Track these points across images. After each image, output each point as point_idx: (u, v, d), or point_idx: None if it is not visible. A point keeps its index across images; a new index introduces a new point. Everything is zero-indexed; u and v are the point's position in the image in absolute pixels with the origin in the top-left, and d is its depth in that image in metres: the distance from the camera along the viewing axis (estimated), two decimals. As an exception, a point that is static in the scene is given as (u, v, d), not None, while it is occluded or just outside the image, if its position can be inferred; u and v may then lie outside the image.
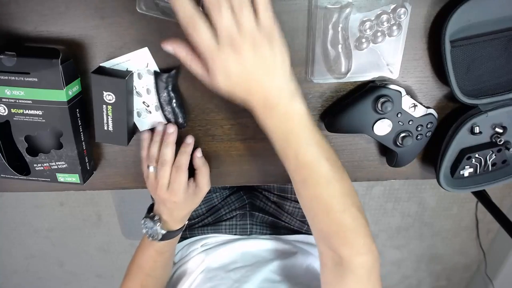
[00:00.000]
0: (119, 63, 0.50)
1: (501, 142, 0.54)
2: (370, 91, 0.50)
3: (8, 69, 0.46)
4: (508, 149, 0.55)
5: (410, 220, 1.82)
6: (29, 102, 0.48)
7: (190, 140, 0.55)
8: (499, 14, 0.47)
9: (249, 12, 0.37)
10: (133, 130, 0.55)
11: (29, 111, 0.49)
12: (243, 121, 0.55)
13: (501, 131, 0.54)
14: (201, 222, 0.82)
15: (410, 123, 0.52)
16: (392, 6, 0.47)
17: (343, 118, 0.52)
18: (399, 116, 0.51)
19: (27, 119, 0.49)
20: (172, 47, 0.42)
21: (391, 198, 1.74)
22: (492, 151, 0.55)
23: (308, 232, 0.82)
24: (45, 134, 0.51)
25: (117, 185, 0.61)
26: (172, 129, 0.53)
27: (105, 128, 0.51)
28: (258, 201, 0.84)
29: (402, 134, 0.52)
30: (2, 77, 0.46)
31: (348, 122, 0.52)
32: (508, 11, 0.47)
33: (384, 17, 0.47)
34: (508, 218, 1.15)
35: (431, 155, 0.58)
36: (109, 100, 0.49)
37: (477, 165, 0.56)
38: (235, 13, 0.37)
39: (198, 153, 0.57)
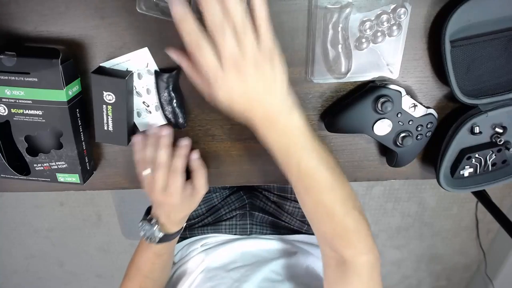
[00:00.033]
0: (119, 63, 0.50)
1: (501, 142, 0.54)
2: (370, 91, 0.50)
3: (8, 69, 0.46)
4: (508, 149, 0.55)
5: (410, 220, 1.82)
6: (29, 102, 0.48)
7: (185, 143, 0.55)
8: (499, 14, 0.47)
9: (251, 34, 0.38)
10: (133, 130, 0.55)
11: (29, 111, 0.49)
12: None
13: (501, 131, 0.54)
14: (201, 222, 0.82)
15: (410, 123, 0.52)
16: (392, 6, 0.47)
17: (343, 118, 0.52)
18: (399, 116, 0.51)
19: (27, 119, 0.49)
20: (176, 56, 0.43)
21: (391, 198, 1.74)
22: (492, 151, 0.55)
23: (308, 232, 0.82)
24: (45, 134, 0.51)
25: (117, 185, 0.61)
26: (167, 131, 0.53)
27: (105, 128, 0.51)
28: (258, 201, 0.84)
29: (402, 134, 0.52)
30: (2, 77, 0.46)
31: (348, 122, 0.52)
32: (508, 11, 0.47)
33: (384, 17, 0.47)
34: (508, 218, 1.15)
35: (431, 155, 0.58)
36: (109, 100, 0.49)
37: (477, 165, 0.56)
38: (238, 36, 0.38)
39: (195, 155, 0.56)
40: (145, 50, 0.49)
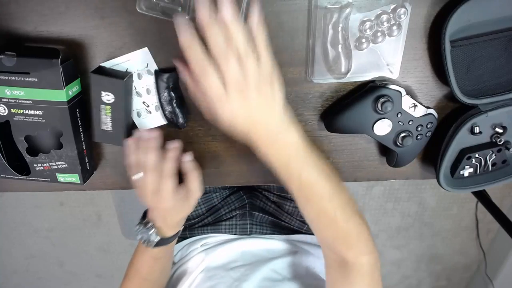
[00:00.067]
0: (119, 63, 0.50)
1: (501, 142, 0.54)
2: (370, 91, 0.50)
3: (8, 69, 0.46)
4: (508, 149, 0.55)
5: (410, 220, 1.82)
6: (29, 102, 0.48)
7: (174, 145, 0.54)
8: (499, 14, 0.47)
9: (253, 59, 0.40)
10: (131, 130, 0.54)
11: (29, 111, 0.49)
12: (243, 121, 0.55)
13: (501, 131, 0.54)
14: (201, 222, 0.82)
15: (410, 123, 0.52)
16: (392, 6, 0.47)
17: (343, 118, 0.52)
18: (399, 116, 0.51)
19: (27, 119, 0.49)
20: (182, 68, 0.44)
21: (391, 198, 1.74)
22: (492, 151, 0.55)
23: (308, 232, 0.82)
24: (45, 134, 0.51)
25: (117, 185, 0.61)
26: (154, 134, 0.52)
27: (103, 128, 0.51)
28: (258, 201, 0.84)
29: (402, 134, 0.52)
30: (2, 77, 0.46)
31: (348, 122, 0.52)
32: (508, 11, 0.47)
33: (384, 17, 0.47)
34: (508, 218, 1.15)
35: (431, 155, 0.58)
36: (108, 100, 0.49)
37: (477, 165, 0.56)
38: (241, 61, 0.40)
39: (186, 157, 0.55)
40: (145, 50, 0.49)
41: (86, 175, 0.56)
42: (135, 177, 0.53)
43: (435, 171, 0.56)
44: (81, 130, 0.52)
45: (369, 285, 0.52)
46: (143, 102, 0.53)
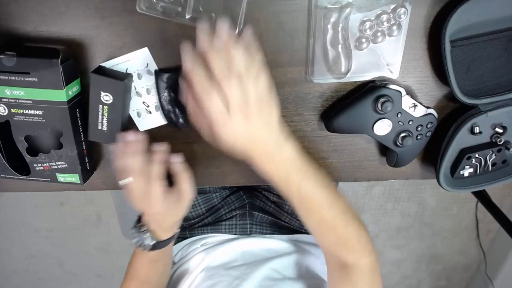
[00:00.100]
0: (119, 63, 0.50)
1: (501, 142, 0.54)
2: (370, 91, 0.50)
3: (8, 69, 0.46)
4: (508, 149, 0.55)
5: (410, 220, 1.82)
6: (29, 102, 0.48)
7: (159, 148, 0.52)
8: (499, 14, 0.47)
9: (253, 80, 0.42)
10: (126, 131, 0.54)
11: (29, 111, 0.49)
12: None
13: (501, 131, 0.54)
14: (201, 222, 0.82)
15: (410, 123, 0.52)
16: (392, 6, 0.47)
17: (343, 118, 0.52)
18: (399, 116, 0.51)
19: (27, 119, 0.49)
20: (184, 93, 0.45)
21: (391, 198, 1.74)
22: (492, 151, 0.55)
23: (308, 231, 0.82)
24: (45, 134, 0.51)
25: (117, 185, 0.61)
26: (138, 137, 0.51)
27: (99, 127, 0.51)
28: (258, 201, 0.84)
29: (402, 134, 0.52)
30: (2, 77, 0.46)
31: (348, 122, 0.52)
32: (508, 11, 0.47)
33: (384, 17, 0.47)
34: (508, 218, 1.15)
35: (431, 155, 0.58)
36: (106, 100, 0.49)
37: (477, 165, 0.56)
38: (242, 83, 0.41)
39: (176, 159, 0.54)
40: (145, 50, 0.49)
41: (86, 175, 0.56)
42: (122, 182, 0.51)
43: (435, 171, 0.56)
44: (81, 130, 0.52)
45: (369, 284, 0.55)
46: (143, 102, 0.53)
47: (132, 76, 0.51)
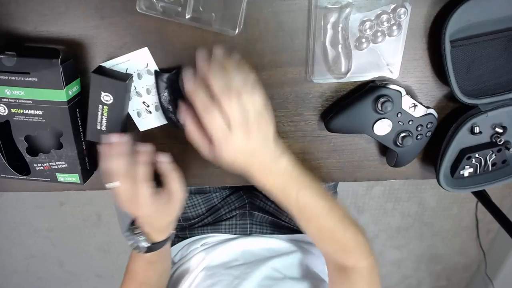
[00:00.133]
0: (119, 63, 0.50)
1: (501, 142, 0.54)
2: (370, 91, 0.50)
3: (8, 69, 0.46)
4: (508, 149, 0.55)
5: (410, 220, 1.82)
6: (29, 102, 0.48)
7: (143, 149, 0.51)
8: (499, 14, 0.47)
9: (250, 97, 0.44)
10: (125, 131, 0.54)
11: (29, 111, 0.49)
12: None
13: (501, 131, 0.54)
14: (201, 222, 0.82)
15: (410, 123, 0.52)
16: (392, 6, 0.47)
17: (343, 118, 0.52)
18: (399, 116, 0.51)
19: (27, 119, 0.49)
20: (184, 118, 0.47)
21: (391, 198, 1.74)
22: (492, 151, 0.55)
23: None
24: (45, 134, 0.51)
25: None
26: (120, 139, 0.49)
27: (98, 127, 0.51)
28: (258, 200, 0.84)
29: (402, 134, 0.52)
30: (2, 77, 0.46)
31: (348, 122, 0.52)
32: (508, 11, 0.47)
33: (384, 17, 0.47)
34: (508, 218, 1.15)
35: (431, 155, 0.58)
36: (106, 101, 0.49)
37: (477, 165, 0.56)
38: (241, 100, 0.43)
39: (161, 158, 0.53)
40: (145, 50, 0.49)
41: (86, 175, 0.56)
42: (108, 185, 0.50)
43: (435, 171, 0.56)
44: (81, 130, 0.52)
45: (368, 285, 0.57)
46: (143, 102, 0.53)
47: (132, 76, 0.51)
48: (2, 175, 0.54)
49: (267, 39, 0.49)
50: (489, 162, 0.56)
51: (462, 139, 0.53)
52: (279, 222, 0.81)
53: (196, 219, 0.83)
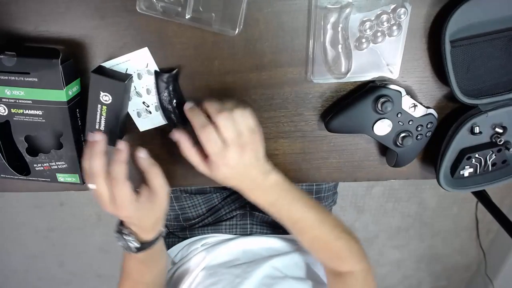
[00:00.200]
0: (119, 63, 0.50)
1: (501, 142, 0.54)
2: (370, 91, 0.50)
3: (8, 69, 0.46)
4: (508, 149, 0.55)
5: (410, 220, 1.82)
6: (29, 102, 0.48)
7: (121, 146, 0.49)
8: (499, 14, 0.47)
9: (243, 118, 0.47)
10: (123, 131, 0.54)
11: (29, 111, 0.49)
12: (243, 121, 0.55)
13: (501, 131, 0.54)
14: (201, 222, 0.82)
15: (410, 123, 0.52)
16: (392, 6, 0.47)
17: (343, 118, 0.52)
18: (399, 116, 0.51)
19: (27, 119, 0.49)
20: (178, 138, 0.50)
21: (391, 198, 1.74)
22: (492, 151, 0.55)
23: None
24: (45, 134, 0.51)
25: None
26: (97, 137, 0.48)
27: (96, 127, 0.51)
28: (258, 201, 0.84)
29: (402, 134, 0.52)
30: (2, 77, 0.46)
31: (348, 122, 0.52)
32: (508, 11, 0.47)
33: (384, 17, 0.47)
34: (508, 218, 1.15)
35: (431, 155, 0.58)
36: (105, 100, 0.49)
37: (477, 165, 0.56)
38: (235, 121, 0.46)
39: (141, 154, 0.51)
40: (145, 50, 0.49)
41: (86, 175, 0.56)
42: (89, 186, 0.49)
43: (435, 171, 0.56)
44: (81, 130, 0.52)
45: (364, 287, 0.60)
46: (143, 102, 0.53)
47: (132, 77, 0.51)
48: (2, 175, 0.54)
49: (267, 39, 0.49)
50: (489, 162, 0.56)
51: (462, 139, 0.53)
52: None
53: (196, 219, 0.83)
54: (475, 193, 1.30)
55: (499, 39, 0.48)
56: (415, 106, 0.51)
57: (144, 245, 0.56)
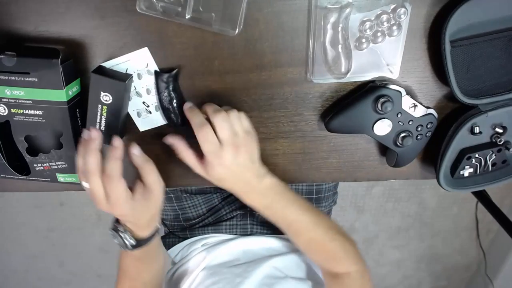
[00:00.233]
0: (119, 63, 0.50)
1: (501, 142, 0.54)
2: (370, 91, 0.50)
3: (8, 69, 0.46)
4: (508, 149, 0.55)
5: (410, 220, 1.82)
6: (29, 102, 0.48)
7: (116, 143, 0.48)
8: (499, 14, 0.47)
9: (239, 120, 0.49)
10: (123, 131, 0.54)
11: (29, 111, 0.49)
12: (243, 121, 0.55)
13: (501, 131, 0.54)
14: (201, 222, 0.82)
15: (410, 123, 0.52)
16: (392, 6, 0.47)
17: (343, 118, 0.52)
18: (399, 116, 0.51)
19: (27, 119, 0.49)
20: (173, 142, 0.52)
21: (391, 198, 1.74)
22: (492, 151, 0.55)
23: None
24: (45, 134, 0.51)
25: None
26: (92, 134, 0.47)
27: (97, 127, 0.51)
28: (258, 201, 0.84)
29: (402, 134, 0.52)
30: (2, 77, 0.46)
31: (348, 122, 0.52)
32: (508, 11, 0.47)
33: (384, 17, 0.47)
34: (508, 218, 1.15)
35: (431, 155, 0.58)
36: (106, 100, 0.49)
37: (477, 165, 0.56)
38: (232, 123, 0.48)
39: (135, 150, 0.50)
40: (145, 50, 0.49)
41: (86, 175, 0.55)
42: (83, 184, 0.48)
43: (435, 171, 0.56)
44: (81, 130, 0.52)
45: (360, 287, 0.61)
46: (143, 102, 0.53)
47: (132, 77, 0.51)
48: (2, 175, 0.54)
49: (267, 39, 0.49)
50: (489, 162, 0.56)
51: (462, 139, 0.53)
52: (279, 222, 0.81)
53: (196, 220, 0.83)
54: (475, 193, 1.30)
55: (499, 39, 0.48)
56: (415, 106, 0.51)
57: (140, 242, 0.56)
